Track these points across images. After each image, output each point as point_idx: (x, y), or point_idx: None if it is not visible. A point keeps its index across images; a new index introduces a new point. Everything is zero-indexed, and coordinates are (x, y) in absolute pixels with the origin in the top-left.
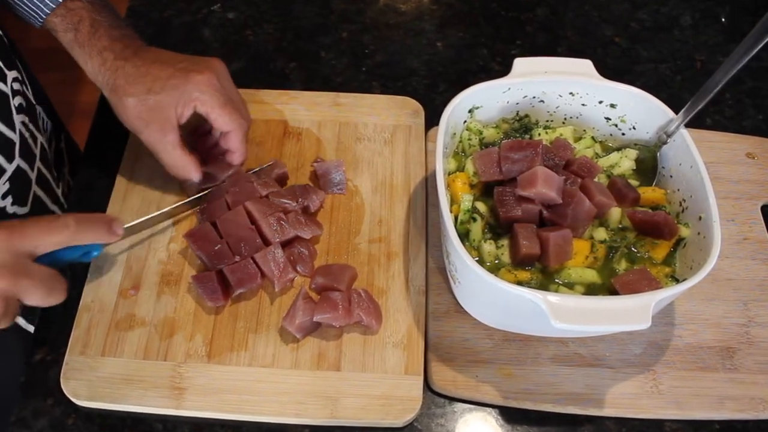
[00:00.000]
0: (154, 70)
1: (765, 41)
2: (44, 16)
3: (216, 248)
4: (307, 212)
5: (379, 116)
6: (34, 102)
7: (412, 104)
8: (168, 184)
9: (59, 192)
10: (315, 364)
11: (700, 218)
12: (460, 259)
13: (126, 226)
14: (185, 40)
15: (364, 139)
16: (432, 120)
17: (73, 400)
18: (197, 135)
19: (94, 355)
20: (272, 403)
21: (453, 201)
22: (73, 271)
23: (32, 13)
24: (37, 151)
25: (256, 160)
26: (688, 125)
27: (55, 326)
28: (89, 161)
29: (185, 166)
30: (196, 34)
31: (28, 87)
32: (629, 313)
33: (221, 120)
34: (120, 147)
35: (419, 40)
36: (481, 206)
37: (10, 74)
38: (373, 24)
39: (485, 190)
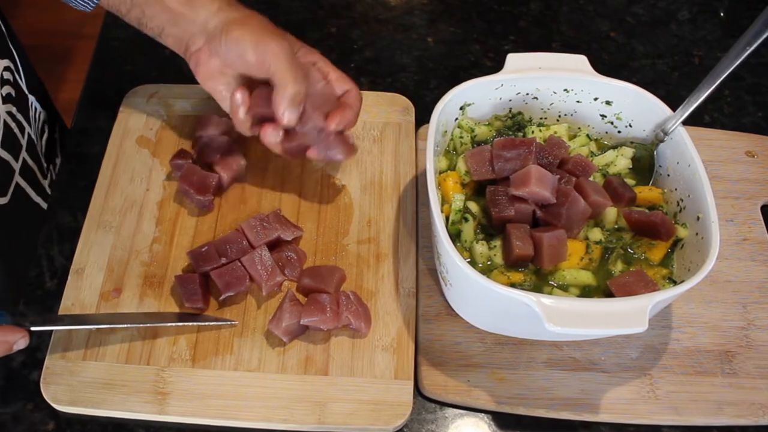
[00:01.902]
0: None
1: (764, 36)
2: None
3: (203, 249)
4: None
5: (368, 113)
6: (27, 92)
7: (402, 101)
8: (151, 184)
9: (46, 183)
10: (302, 369)
11: (698, 218)
12: (452, 260)
13: (35, 329)
14: None
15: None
16: (422, 117)
17: (54, 405)
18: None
19: (75, 359)
20: (258, 408)
21: (444, 201)
22: (54, 272)
23: None
24: (24, 142)
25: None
26: (685, 123)
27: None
28: (70, 158)
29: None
30: None
31: (22, 76)
32: (625, 316)
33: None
34: (102, 145)
35: (409, 35)
36: (473, 206)
37: (2, 63)
38: (362, 19)
39: (477, 190)
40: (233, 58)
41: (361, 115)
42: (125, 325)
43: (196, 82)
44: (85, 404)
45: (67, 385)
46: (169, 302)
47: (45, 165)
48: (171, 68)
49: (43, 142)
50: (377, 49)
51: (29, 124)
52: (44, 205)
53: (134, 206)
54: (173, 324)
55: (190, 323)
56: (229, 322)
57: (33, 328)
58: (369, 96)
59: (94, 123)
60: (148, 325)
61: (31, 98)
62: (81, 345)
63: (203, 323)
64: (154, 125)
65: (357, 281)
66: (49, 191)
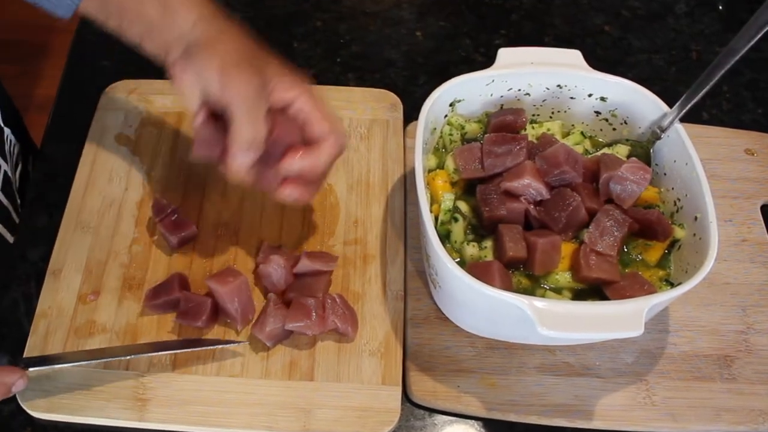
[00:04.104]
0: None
1: (764, 30)
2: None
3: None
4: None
5: (355, 110)
6: (2, 125)
7: (390, 97)
8: (130, 183)
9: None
10: (287, 374)
11: (695, 218)
12: (441, 262)
13: (33, 369)
14: None
15: None
16: (411, 114)
17: (30, 412)
18: None
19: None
20: (241, 415)
21: (433, 200)
22: (30, 275)
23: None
24: (0, 181)
25: None
26: (683, 120)
27: (10, 334)
28: (47, 157)
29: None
30: None
31: None
32: (620, 320)
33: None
34: (79, 143)
35: (398, 30)
36: (463, 205)
37: None
38: (349, 12)
39: (467, 189)
40: (199, 83)
41: (348, 111)
42: (129, 357)
43: None
44: (63, 411)
45: (43, 391)
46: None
47: (19, 201)
48: (151, 63)
49: (17, 176)
50: (365, 44)
51: (5, 159)
52: None
53: (113, 206)
54: (181, 351)
55: (200, 348)
56: (237, 343)
57: (32, 369)
58: (356, 92)
59: (71, 120)
60: (153, 354)
61: (7, 131)
62: (58, 350)
63: (212, 347)
64: (133, 122)
65: (343, 284)
66: None
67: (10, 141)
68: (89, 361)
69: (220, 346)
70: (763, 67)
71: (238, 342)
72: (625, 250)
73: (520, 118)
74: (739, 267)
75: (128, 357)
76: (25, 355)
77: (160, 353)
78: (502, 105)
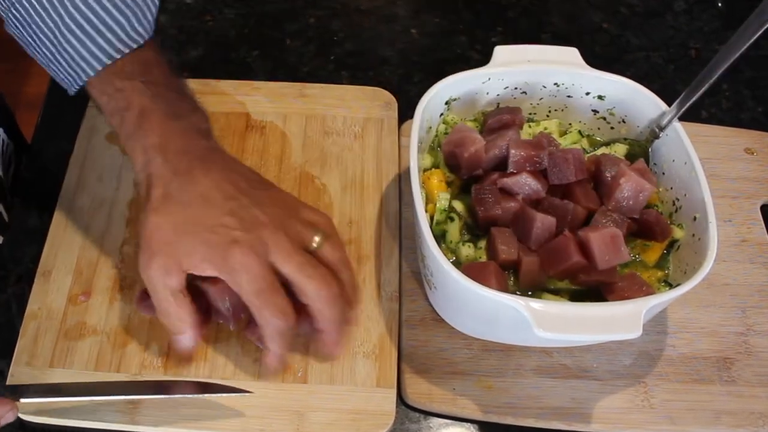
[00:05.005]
0: (198, 209)
1: (764, 28)
2: (79, 85)
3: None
4: None
5: (349, 109)
6: None
7: (385, 96)
8: (121, 183)
9: None
10: (279, 377)
11: (694, 219)
12: (436, 262)
13: (27, 401)
14: None
15: (332, 134)
16: (406, 113)
17: (20, 415)
18: None
19: (41, 367)
20: (233, 417)
21: (428, 200)
22: (21, 276)
23: (68, 77)
24: None
25: None
26: (681, 118)
27: (1, 335)
28: (36, 156)
29: (178, 317)
30: None
31: None
32: (618, 321)
33: (253, 310)
34: (69, 142)
35: (392, 27)
36: (459, 205)
37: None
38: (343, 9)
39: (463, 188)
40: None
41: (341, 110)
42: (124, 397)
43: None
44: (53, 414)
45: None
46: None
47: (11, 199)
48: None
49: (10, 176)
50: (359, 41)
51: None
52: None
53: (103, 206)
54: (184, 396)
55: (203, 396)
56: (243, 393)
57: (23, 400)
58: (350, 90)
59: (61, 118)
60: (154, 396)
61: None
62: (48, 351)
63: (216, 394)
64: None
65: None
66: None
67: (2, 140)
68: (85, 398)
69: (220, 395)
70: (763, 65)
71: (244, 392)
72: None
73: (517, 116)
74: (739, 268)
75: (126, 397)
76: (14, 357)
77: (161, 396)
78: (498, 104)
